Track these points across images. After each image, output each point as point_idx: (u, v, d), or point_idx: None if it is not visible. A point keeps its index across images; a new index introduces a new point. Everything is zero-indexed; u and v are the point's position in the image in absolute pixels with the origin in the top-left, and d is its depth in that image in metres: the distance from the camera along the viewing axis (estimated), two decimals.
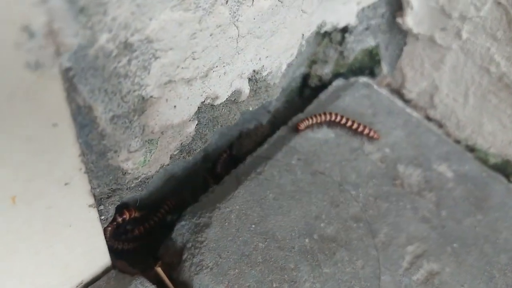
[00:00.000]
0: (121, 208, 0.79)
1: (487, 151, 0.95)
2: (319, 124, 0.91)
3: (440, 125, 1.00)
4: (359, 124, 0.90)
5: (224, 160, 0.97)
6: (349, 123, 0.90)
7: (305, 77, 1.05)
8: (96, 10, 0.38)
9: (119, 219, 0.79)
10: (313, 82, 1.04)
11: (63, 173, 0.49)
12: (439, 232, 0.83)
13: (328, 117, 0.90)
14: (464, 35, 0.86)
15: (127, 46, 0.44)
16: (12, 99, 0.38)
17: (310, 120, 0.89)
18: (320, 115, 0.90)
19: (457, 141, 0.99)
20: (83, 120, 0.45)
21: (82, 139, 0.47)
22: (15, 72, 0.36)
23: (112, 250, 0.73)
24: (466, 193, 0.88)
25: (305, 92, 1.07)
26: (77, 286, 0.68)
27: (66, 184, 0.50)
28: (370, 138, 0.91)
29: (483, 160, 0.96)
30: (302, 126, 0.89)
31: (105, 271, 0.72)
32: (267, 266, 0.75)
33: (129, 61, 0.46)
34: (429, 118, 1.01)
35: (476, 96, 0.92)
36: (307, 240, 0.78)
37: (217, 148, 0.97)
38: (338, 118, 0.90)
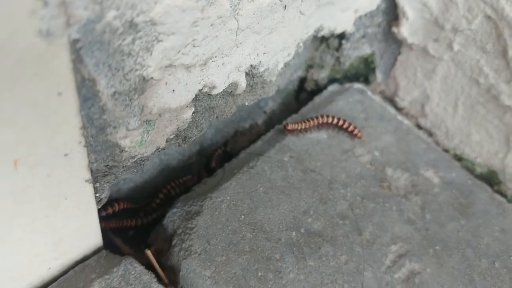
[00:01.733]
0: (111, 201, 0.82)
1: (474, 161, 0.98)
2: (308, 129, 0.94)
3: (430, 134, 1.03)
4: (344, 121, 0.93)
5: (218, 155, 1.00)
6: (335, 121, 0.93)
7: (302, 81, 1.09)
8: None
9: (109, 210, 0.81)
10: (309, 86, 1.08)
11: (64, 144, 0.52)
12: (422, 234, 0.85)
13: (316, 121, 0.92)
14: (456, 46, 0.90)
15: (132, 26, 0.48)
16: (22, 64, 0.41)
17: (299, 125, 0.91)
18: (309, 120, 0.92)
19: (446, 150, 1.02)
20: (87, 93, 0.48)
21: (84, 112, 0.50)
22: (28, 38, 0.39)
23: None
24: (451, 199, 0.91)
25: (301, 95, 1.11)
26: (68, 262, 0.70)
27: (65, 155, 0.53)
28: (354, 136, 0.94)
29: (470, 169, 0.99)
30: (290, 127, 0.91)
31: (96, 251, 0.74)
32: (254, 256, 0.77)
33: (133, 40, 0.49)
34: (419, 127, 1.05)
35: (465, 106, 0.95)
36: (294, 234, 0.81)
37: (212, 143, 1.00)
38: (325, 119, 0.93)
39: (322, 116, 0.93)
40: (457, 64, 0.92)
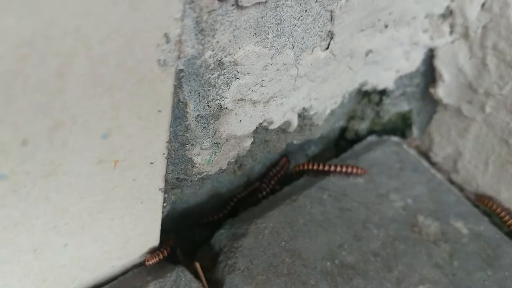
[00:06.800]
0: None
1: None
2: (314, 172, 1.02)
3: (461, 189, 1.10)
4: (343, 167, 1.00)
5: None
6: (337, 168, 1.00)
7: (343, 130, 1.19)
8: (209, 33, 0.55)
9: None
10: (350, 135, 1.18)
11: (152, 154, 0.63)
12: (450, 279, 0.90)
13: (322, 167, 1.01)
14: (488, 109, 0.99)
15: (220, 64, 0.60)
16: (140, 83, 0.53)
17: (305, 166, 1.01)
18: (315, 164, 1.01)
19: (476, 206, 1.08)
20: (178, 113, 0.60)
21: (172, 128, 0.62)
22: (149, 65, 0.52)
23: None
24: (479, 250, 0.96)
25: (341, 143, 1.21)
26: (128, 264, 0.80)
27: (151, 163, 0.64)
28: (359, 175, 1.01)
29: (499, 225, 1.04)
30: (297, 168, 1.01)
31: None
32: (291, 279, 0.84)
33: (219, 75, 0.61)
34: (451, 182, 1.12)
35: (495, 165, 1.02)
36: (328, 263, 0.88)
37: (259, 177, 1.10)
38: (327, 168, 1.01)
39: (324, 165, 1.01)
40: (489, 125, 1.00)
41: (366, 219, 0.96)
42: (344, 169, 1.00)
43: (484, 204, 1.03)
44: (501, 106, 0.97)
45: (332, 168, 1.00)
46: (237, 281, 0.82)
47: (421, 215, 1.00)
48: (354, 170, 1.00)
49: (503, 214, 1.01)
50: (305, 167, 1.02)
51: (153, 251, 0.79)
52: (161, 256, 0.79)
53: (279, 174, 1.05)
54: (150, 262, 0.78)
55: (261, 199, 1.01)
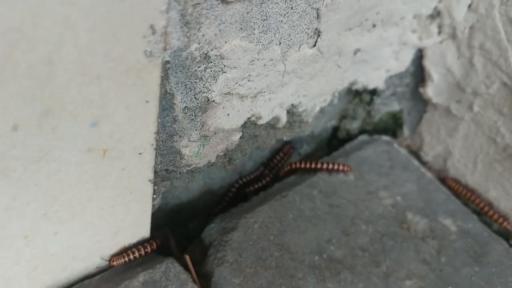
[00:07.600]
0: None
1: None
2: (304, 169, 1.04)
3: None
4: (331, 164, 1.01)
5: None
6: (323, 166, 1.02)
7: (335, 130, 1.21)
8: (195, 26, 0.57)
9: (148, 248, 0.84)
10: (341, 134, 1.20)
11: (140, 144, 0.65)
12: (437, 274, 0.91)
13: (309, 165, 1.03)
14: (475, 108, 1.01)
15: (206, 57, 0.62)
16: (127, 73, 0.55)
17: (291, 166, 1.03)
18: (305, 163, 1.03)
19: (465, 204, 1.09)
20: (166, 104, 0.63)
21: (160, 119, 0.64)
22: (136, 55, 0.54)
23: None
24: (466, 246, 0.97)
25: (333, 142, 1.23)
26: None
27: (140, 154, 0.66)
28: (346, 172, 1.03)
29: (487, 223, 1.05)
30: (287, 168, 1.03)
31: None
32: (279, 272, 0.86)
33: (205, 68, 0.64)
34: (441, 180, 1.13)
35: (484, 163, 1.04)
36: (316, 258, 0.89)
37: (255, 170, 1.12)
38: (313, 165, 1.02)
39: (311, 163, 1.03)
40: (477, 124, 1.02)
41: (355, 216, 0.98)
42: (330, 166, 1.02)
43: (451, 187, 1.07)
44: (488, 105, 0.99)
45: (319, 166, 1.02)
46: (225, 274, 0.84)
47: (410, 212, 1.02)
48: (340, 167, 1.02)
49: (465, 192, 1.05)
50: (293, 166, 1.03)
51: (122, 252, 0.79)
52: (126, 258, 0.78)
53: (283, 161, 1.07)
54: (115, 263, 0.78)
55: (265, 185, 1.03)
